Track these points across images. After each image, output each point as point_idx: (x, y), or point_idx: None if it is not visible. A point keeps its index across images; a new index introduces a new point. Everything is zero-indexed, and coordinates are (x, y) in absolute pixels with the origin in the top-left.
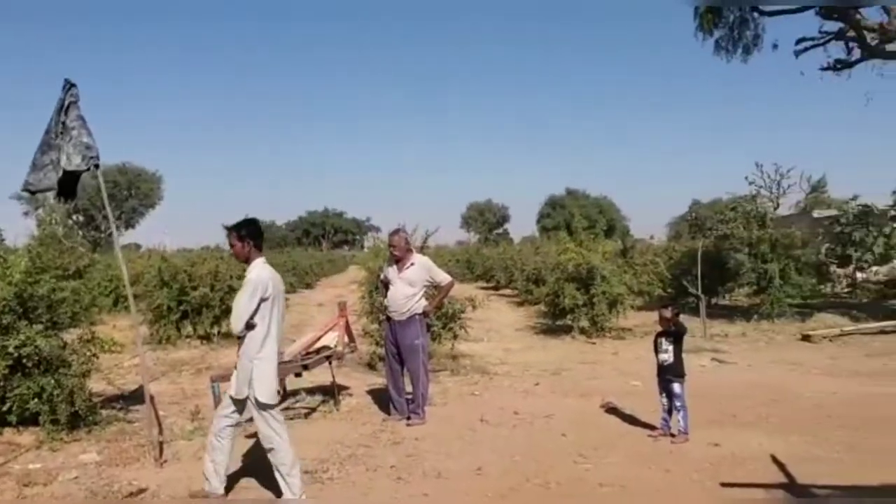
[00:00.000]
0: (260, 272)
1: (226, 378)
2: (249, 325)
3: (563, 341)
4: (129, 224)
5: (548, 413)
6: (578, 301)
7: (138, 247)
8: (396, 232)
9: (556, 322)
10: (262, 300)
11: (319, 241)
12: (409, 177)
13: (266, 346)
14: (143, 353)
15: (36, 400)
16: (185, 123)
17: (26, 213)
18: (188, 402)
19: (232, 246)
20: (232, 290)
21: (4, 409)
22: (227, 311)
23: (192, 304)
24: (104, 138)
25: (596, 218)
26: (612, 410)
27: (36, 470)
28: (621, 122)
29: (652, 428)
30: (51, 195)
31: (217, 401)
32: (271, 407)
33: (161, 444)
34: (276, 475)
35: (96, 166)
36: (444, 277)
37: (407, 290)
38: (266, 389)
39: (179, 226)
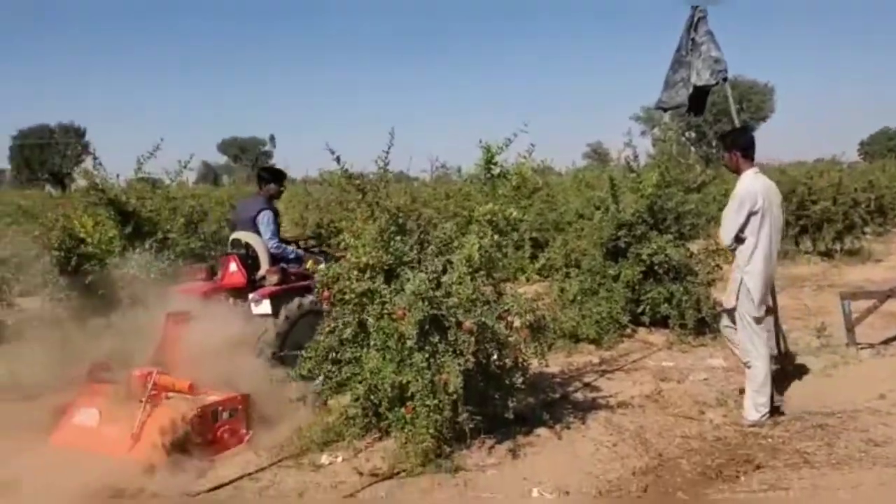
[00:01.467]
0: (749, 184)
1: (857, 296)
2: (739, 239)
3: None
4: None
5: None
6: None
7: None
8: None
9: None
10: (751, 213)
11: None
12: None
13: (754, 259)
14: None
15: (665, 304)
16: (797, 34)
17: (643, 133)
18: (812, 318)
19: (721, 157)
20: (856, 204)
21: (639, 310)
22: (849, 228)
23: (812, 218)
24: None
25: None
26: None
27: (668, 367)
28: None
29: None
30: (666, 115)
31: (847, 317)
32: (754, 321)
33: (787, 357)
34: (746, 391)
35: (724, 79)
36: None
37: None
38: (748, 303)
39: (789, 139)
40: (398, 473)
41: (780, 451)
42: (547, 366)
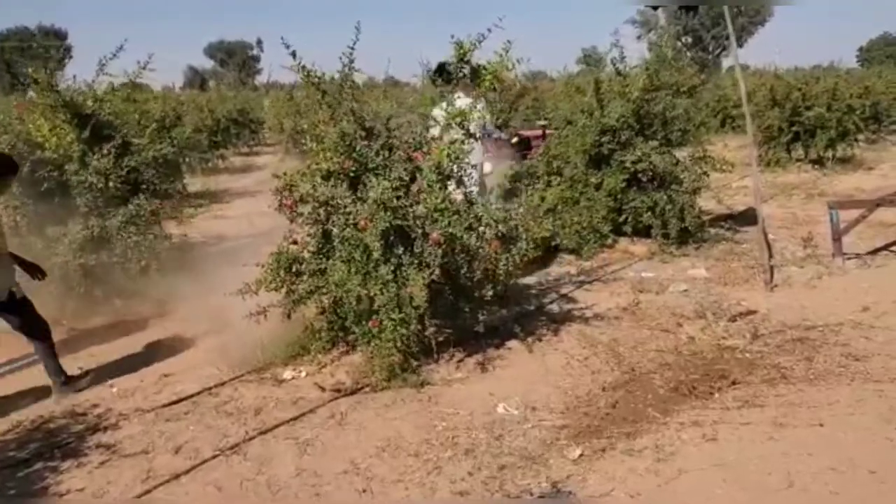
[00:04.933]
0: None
1: (845, 206)
2: None
3: None
4: (738, 43)
5: None
6: None
7: (745, 67)
8: None
9: None
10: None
11: None
12: None
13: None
14: (756, 174)
15: (648, 213)
16: None
17: (639, 37)
18: (800, 227)
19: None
20: (851, 110)
21: (621, 220)
22: (843, 135)
23: (804, 125)
24: None
25: None
26: None
27: (648, 278)
28: None
29: None
30: (662, 19)
31: (835, 227)
32: None
33: (772, 268)
34: None
35: None
36: None
37: None
38: None
39: (791, 44)
40: (361, 389)
41: (757, 366)
42: (520, 278)
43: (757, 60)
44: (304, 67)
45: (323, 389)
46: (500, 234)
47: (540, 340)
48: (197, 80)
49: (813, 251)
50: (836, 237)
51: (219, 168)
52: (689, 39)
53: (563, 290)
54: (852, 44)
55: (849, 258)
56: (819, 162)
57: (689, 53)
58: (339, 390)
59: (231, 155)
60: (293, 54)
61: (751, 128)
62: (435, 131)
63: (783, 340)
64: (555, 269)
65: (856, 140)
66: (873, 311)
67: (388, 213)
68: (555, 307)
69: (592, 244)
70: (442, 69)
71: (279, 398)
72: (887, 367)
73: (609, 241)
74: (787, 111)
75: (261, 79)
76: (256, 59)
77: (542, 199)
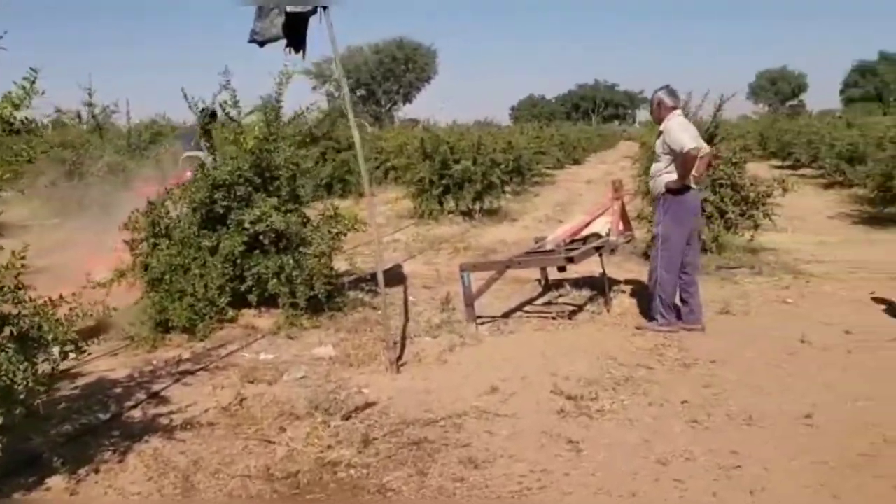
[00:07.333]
0: None
1: (478, 268)
2: None
3: None
4: (407, 98)
5: None
6: None
7: (415, 121)
8: (655, 93)
9: (884, 209)
10: None
11: (589, 114)
12: (688, 44)
13: None
14: (378, 238)
15: (275, 280)
16: None
17: (314, 88)
18: (441, 287)
19: None
20: (494, 165)
21: (243, 288)
22: (489, 187)
23: (454, 178)
24: (382, 14)
25: None
26: None
27: (265, 362)
28: None
29: None
30: (336, 71)
31: (467, 291)
32: None
33: (400, 342)
34: None
35: (324, 7)
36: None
37: (654, 165)
38: None
39: (455, 101)
40: None
41: (360, 489)
42: (112, 370)
43: (425, 114)
44: None
45: None
46: (14, 334)
47: (97, 472)
48: None
49: (450, 316)
50: (469, 302)
51: None
52: (364, 93)
53: (157, 387)
54: (507, 102)
55: (483, 322)
56: (468, 214)
57: (364, 107)
58: None
59: None
60: None
61: (367, 184)
62: None
63: (398, 445)
64: (161, 355)
65: (503, 192)
66: (502, 393)
67: None
68: (137, 414)
69: (209, 320)
70: None
71: None
72: (508, 475)
73: (230, 314)
74: (437, 164)
75: None
76: None
77: (147, 266)
